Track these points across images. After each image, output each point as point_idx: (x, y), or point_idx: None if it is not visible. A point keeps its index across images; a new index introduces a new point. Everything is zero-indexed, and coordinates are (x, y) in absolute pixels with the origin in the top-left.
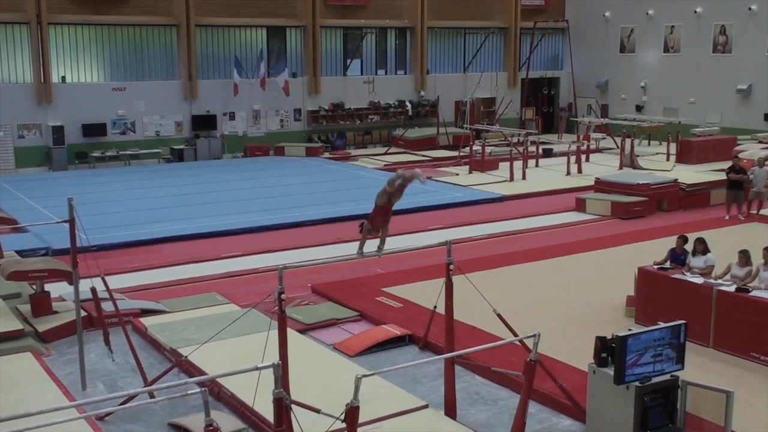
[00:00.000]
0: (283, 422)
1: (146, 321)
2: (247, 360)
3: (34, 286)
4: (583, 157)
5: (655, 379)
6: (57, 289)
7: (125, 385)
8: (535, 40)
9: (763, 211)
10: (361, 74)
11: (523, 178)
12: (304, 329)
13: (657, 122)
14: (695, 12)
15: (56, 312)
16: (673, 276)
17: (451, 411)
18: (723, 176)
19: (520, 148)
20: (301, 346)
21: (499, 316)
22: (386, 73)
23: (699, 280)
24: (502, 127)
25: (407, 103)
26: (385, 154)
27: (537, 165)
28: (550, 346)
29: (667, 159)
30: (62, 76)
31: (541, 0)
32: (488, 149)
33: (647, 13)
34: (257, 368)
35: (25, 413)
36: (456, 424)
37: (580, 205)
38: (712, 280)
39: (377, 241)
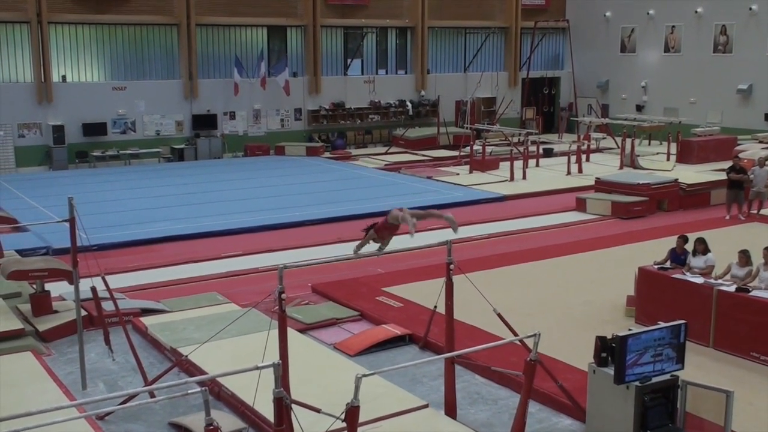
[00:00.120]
0: (284, 422)
1: (146, 320)
2: (248, 359)
3: (35, 286)
4: (584, 156)
5: (655, 379)
6: (57, 288)
7: (125, 384)
8: (536, 40)
9: (763, 211)
10: (362, 74)
11: (524, 177)
12: (305, 329)
13: (657, 122)
14: (696, 12)
15: (56, 311)
16: (673, 276)
17: (451, 411)
18: (723, 176)
19: (521, 148)
20: (302, 346)
21: (499, 315)
22: (387, 73)
23: (699, 279)
24: (502, 127)
25: (408, 103)
26: (386, 153)
27: (537, 165)
28: (551, 345)
29: (668, 159)
30: (62, 75)
31: (542, 0)
32: (489, 149)
33: (648, 13)
34: (257, 368)
35: (26, 412)
36: (456, 424)
37: (581, 205)
38: (712, 280)
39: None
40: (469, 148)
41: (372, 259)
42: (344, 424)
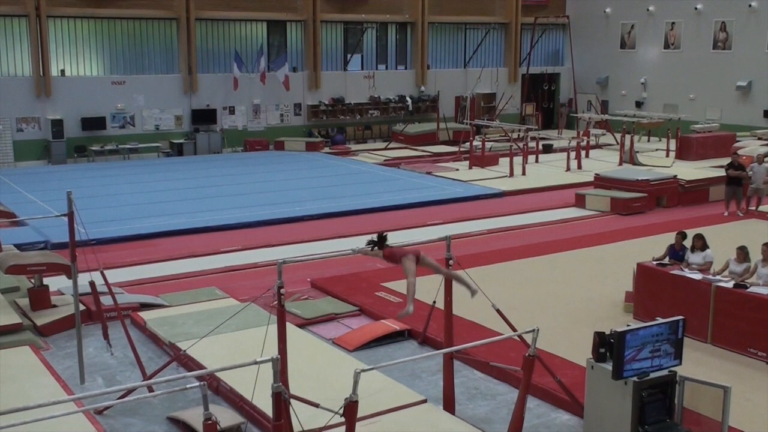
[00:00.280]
0: (282, 416)
1: (145, 315)
2: (246, 354)
3: (33, 280)
4: (583, 152)
5: (653, 375)
6: (56, 282)
7: (124, 379)
8: (536, 36)
9: (761, 208)
10: (362, 69)
11: (523, 173)
12: (303, 324)
13: (657, 118)
14: (696, 8)
15: (55, 306)
16: (671, 272)
17: (449, 406)
18: (722, 173)
19: (520, 144)
20: (300, 341)
21: (498, 311)
22: (387, 68)
23: (697, 276)
24: (502, 123)
25: (407, 99)
26: (385, 149)
27: (537, 161)
28: (549, 341)
29: (667, 155)
30: (61, 69)
31: None
32: (488, 145)
33: (648, 10)
34: (256, 362)
35: (24, 407)
36: (455, 419)
37: (580, 201)
38: (710, 276)
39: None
40: (468, 143)
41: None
42: (343, 419)
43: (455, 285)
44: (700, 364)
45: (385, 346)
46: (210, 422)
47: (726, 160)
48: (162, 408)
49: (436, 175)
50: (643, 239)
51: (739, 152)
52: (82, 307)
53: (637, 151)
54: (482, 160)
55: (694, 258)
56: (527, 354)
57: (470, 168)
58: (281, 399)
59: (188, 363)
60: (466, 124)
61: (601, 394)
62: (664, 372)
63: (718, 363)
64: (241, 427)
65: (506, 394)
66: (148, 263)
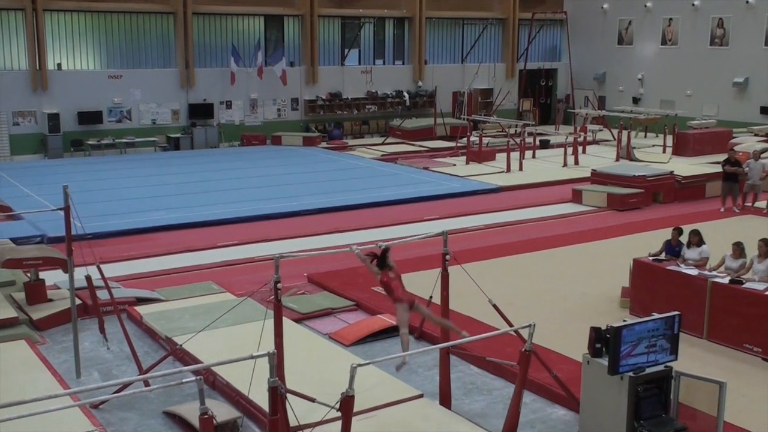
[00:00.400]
0: (278, 411)
1: (141, 309)
2: (243, 349)
3: (29, 274)
4: (580, 148)
5: (648, 370)
6: (52, 277)
7: (120, 373)
8: (533, 32)
9: (757, 204)
10: (359, 64)
11: (520, 169)
12: (300, 318)
13: (654, 114)
14: (693, 5)
15: (51, 300)
16: (667, 267)
17: (446, 401)
18: (719, 169)
19: (518, 139)
20: (297, 336)
21: (494, 306)
22: (384, 63)
23: (693, 271)
24: (499, 118)
25: (405, 94)
26: (383, 144)
27: (534, 156)
28: (545, 336)
29: (664, 151)
30: (58, 63)
31: None
32: (485, 140)
33: (645, 6)
34: (252, 357)
35: (19, 401)
36: (451, 414)
37: (577, 197)
38: (706, 272)
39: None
40: (465, 139)
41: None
42: (339, 414)
43: (452, 283)
44: (696, 359)
45: (382, 341)
46: (206, 417)
47: (722, 157)
48: (158, 402)
49: (433, 171)
50: (639, 235)
51: (736, 148)
52: (78, 302)
53: (634, 147)
54: (479, 155)
55: (690, 254)
56: (523, 349)
57: (467, 163)
58: (277, 393)
59: (184, 357)
60: (464, 119)
61: (597, 389)
62: (660, 367)
63: (713, 358)
64: (238, 422)
65: (502, 389)
66: (145, 257)
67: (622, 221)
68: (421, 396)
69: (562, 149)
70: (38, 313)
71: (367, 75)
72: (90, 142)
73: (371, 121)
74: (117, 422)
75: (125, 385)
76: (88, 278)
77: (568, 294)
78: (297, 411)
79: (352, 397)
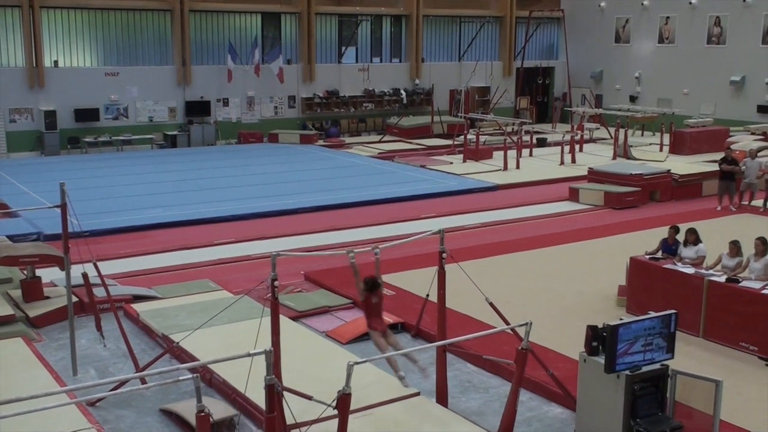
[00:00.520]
0: (275, 409)
1: (138, 307)
2: (240, 347)
3: (26, 272)
4: (577, 146)
5: (645, 368)
6: (48, 274)
7: (116, 370)
8: (531, 30)
9: (754, 202)
10: (356, 62)
11: (517, 167)
12: (297, 316)
13: (651, 113)
14: (690, 3)
15: (48, 297)
16: (664, 266)
17: (442, 399)
18: (715, 167)
19: (515, 138)
20: (294, 334)
21: (491, 304)
22: (381, 61)
23: (690, 270)
24: (496, 116)
25: (402, 92)
26: (380, 142)
27: (531, 154)
28: (542, 334)
29: (660, 150)
30: (55, 60)
31: None
32: (482, 138)
33: (642, 4)
34: (249, 355)
35: (16, 398)
36: (447, 412)
37: (573, 195)
38: (702, 271)
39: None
40: (462, 137)
41: (367, 253)
42: (336, 412)
43: (449, 282)
44: (692, 357)
45: None
46: (203, 414)
47: (719, 155)
48: (155, 400)
49: (430, 169)
50: (636, 233)
51: (733, 147)
52: (74, 299)
53: (631, 146)
54: (476, 153)
55: (687, 252)
56: (520, 347)
57: (464, 161)
58: (274, 391)
59: (181, 355)
60: (461, 117)
61: (594, 387)
62: (657, 366)
63: (710, 357)
64: (234, 420)
65: (499, 387)
66: (142, 255)
67: (618, 219)
68: (417, 394)
69: (559, 147)
70: (35, 310)
71: (364, 73)
72: (87, 140)
73: (368, 119)
74: (113, 420)
75: (122, 383)
76: (85, 276)
77: (565, 292)
78: (294, 409)
79: (349, 395)
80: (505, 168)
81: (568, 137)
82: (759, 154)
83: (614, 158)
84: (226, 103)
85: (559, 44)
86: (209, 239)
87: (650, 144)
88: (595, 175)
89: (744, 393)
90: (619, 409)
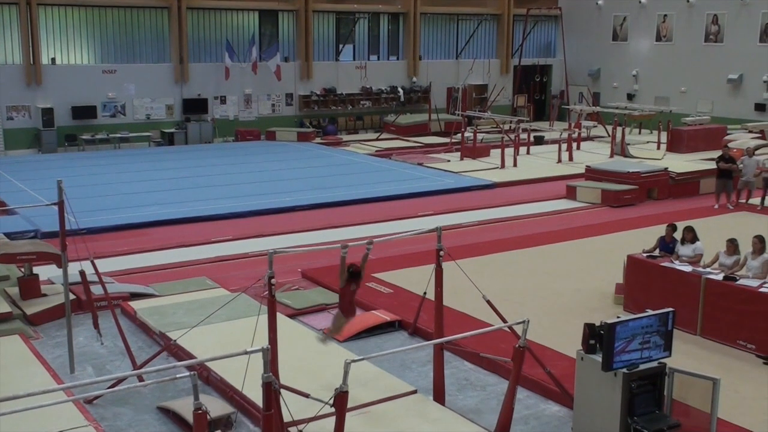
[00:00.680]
0: (272, 406)
1: (135, 304)
2: (237, 344)
3: (23, 269)
4: (574, 144)
5: (642, 366)
6: (46, 272)
7: (114, 368)
8: (528, 28)
9: (751, 201)
10: (354, 59)
11: (514, 165)
12: (294, 314)
13: (648, 111)
14: (688, 1)
15: (45, 295)
16: (661, 264)
17: (439, 396)
18: (713, 165)
19: (512, 135)
20: (291, 331)
21: (488, 302)
22: (378, 59)
23: (687, 268)
24: (493, 114)
25: (399, 89)
26: (377, 140)
27: (528, 152)
28: (539, 332)
29: (658, 148)
30: (52, 57)
31: None
32: (480, 136)
33: (640, 2)
34: (246, 352)
35: (13, 396)
36: (444, 410)
37: (571, 193)
38: (700, 269)
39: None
40: (460, 134)
41: (362, 246)
42: (333, 409)
43: (446, 280)
44: (690, 356)
45: (376, 336)
46: (200, 412)
47: (717, 153)
48: (152, 398)
49: (428, 166)
50: (633, 231)
51: (730, 145)
52: (72, 297)
53: (628, 144)
54: (473, 151)
55: (684, 250)
56: (517, 345)
57: (461, 159)
58: (271, 389)
59: (178, 353)
60: (458, 115)
61: (591, 385)
62: (654, 364)
63: (707, 355)
64: (231, 417)
65: (496, 385)
66: (139, 253)
67: (616, 218)
68: (414, 392)
69: (557, 145)
70: (32, 308)
71: (361, 70)
72: (84, 137)
73: (366, 116)
74: (111, 417)
75: (119, 381)
76: (82, 273)
77: (562, 290)
78: (291, 406)
79: (346, 392)
80: (503, 166)
81: (565, 135)
82: (756, 152)
83: (611, 156)
84: (223, 100)
85: (556, 42)
86: (206, 237)
87: (647, 142)
88: (592, 173)
89: (741, 391)
90: (616, 407)
